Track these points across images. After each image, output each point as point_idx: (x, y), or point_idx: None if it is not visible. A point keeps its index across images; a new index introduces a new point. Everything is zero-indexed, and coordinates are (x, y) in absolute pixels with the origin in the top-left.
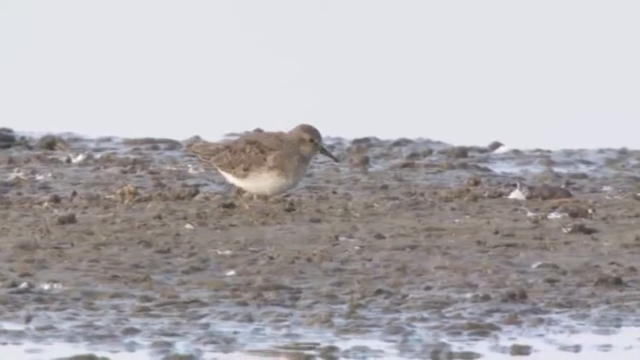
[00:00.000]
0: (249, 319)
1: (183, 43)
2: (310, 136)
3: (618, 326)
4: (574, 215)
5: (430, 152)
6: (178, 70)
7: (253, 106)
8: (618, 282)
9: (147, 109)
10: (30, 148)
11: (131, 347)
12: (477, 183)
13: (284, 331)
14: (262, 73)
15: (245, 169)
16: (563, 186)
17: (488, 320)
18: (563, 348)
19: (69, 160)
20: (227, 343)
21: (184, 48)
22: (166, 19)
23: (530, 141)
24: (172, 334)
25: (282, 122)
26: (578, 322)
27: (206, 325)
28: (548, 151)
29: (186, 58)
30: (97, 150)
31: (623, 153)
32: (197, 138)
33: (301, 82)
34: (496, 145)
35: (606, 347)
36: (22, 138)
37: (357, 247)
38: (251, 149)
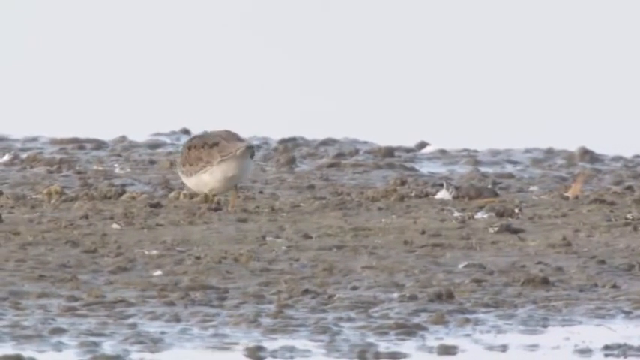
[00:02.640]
0: (177, 319)
1: (131, 39)
2: None
3: (545, 326)
4: (500, 215)
5: (357, 152)
6: (110, 68)
7: (187, 104)
8: (545, 282)
9: (73, 108)
10: None
11: (58, 347)
12: (403, 183)
13: (211, 330)
14: (199, 72)
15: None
16: (489, 186)
17: (416, 320)
18: (490, 348)
19: None
20: (154, 343)
21: (127, 45)
22: (121, 18)
23: (457, 141)
24: (99, 334)
25: (211, 123)
26: (505, 322)
27: (133, 325)
28: (475, 151)
29: (127, 55)
30: (24, 150)
31: (550, 153)
32: (123, 138)
33: (230, 80)
34: (423, 144)
35: (533, 347)
36: None
37: (284, 247)
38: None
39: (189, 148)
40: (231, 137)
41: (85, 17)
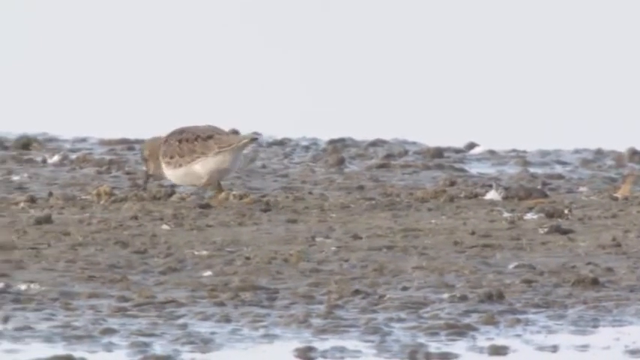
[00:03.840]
0: (227, 320)
1: (166, 42)
2: None
3: (595, 326)
4: (550, 216)
5: (406, 153)
6: (158, 70)
7: (233, 106)
8: (595, 282)
9: (122, 109)
10: (5, 148)
11: (109, 347)
12: (453, 183)
13: (261, 331)
14: (240, 73)
15: None
16: (539, 186)
17: (466, 321)
18: (541, 348)
19: (45, 161)
20: (205, 344)
21: (166, 48)
22: (148, 19)
23: (506, 141)
24: (150, 335)
25: (256, 122)
26: (555, 323)
27: (184, 326)
28: (524, 152)
29: (167, 57)
30: (73, 150)
31: (599, 153)
32: None
33: (279, 82)
34: (472, 145)
35: (583, 347)
36: None
37: (333, 248)
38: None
39: (179, 141)
40: (222, 131)
41: (107, 19)
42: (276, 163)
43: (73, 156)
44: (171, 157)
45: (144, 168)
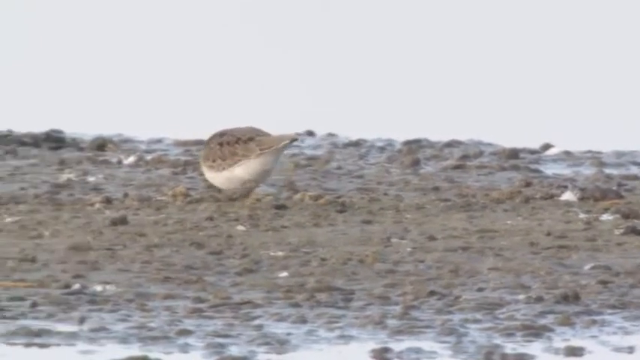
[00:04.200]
0: (303, 321)
1: (219, 45)
2: None
3: None
4: (626, 217)
5: (481, 154)
6: (229, 70)
7: (308, 108)
8: None
9: (197, 110)
10: (81, 149)
11: (185, 348)
12: (528, 184)
13: (337, 332)
14: (296, 74)
15: None
16: (614, 187)
17: (542, 321)
18: (617, 349)
19: (120, 162)
20: (280, 345)
21: (225, 50)
22: (191, 21)
23: (581, 142)
24: (226, 336)
25: (332, 123)
26: (631, 324)
27: (259, 327)
28: (599, 153)
29: (230, 61)
30: (148, 151)
31: None
32: None
33: (356, 84)
34: (547, 146)
35: None
36: (73, 139)
37: (409, 249)
38: None
39: (220, 144)
40: (262, 132)
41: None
42: (352, 164)
43: (149, 157)
44: (213, 161)
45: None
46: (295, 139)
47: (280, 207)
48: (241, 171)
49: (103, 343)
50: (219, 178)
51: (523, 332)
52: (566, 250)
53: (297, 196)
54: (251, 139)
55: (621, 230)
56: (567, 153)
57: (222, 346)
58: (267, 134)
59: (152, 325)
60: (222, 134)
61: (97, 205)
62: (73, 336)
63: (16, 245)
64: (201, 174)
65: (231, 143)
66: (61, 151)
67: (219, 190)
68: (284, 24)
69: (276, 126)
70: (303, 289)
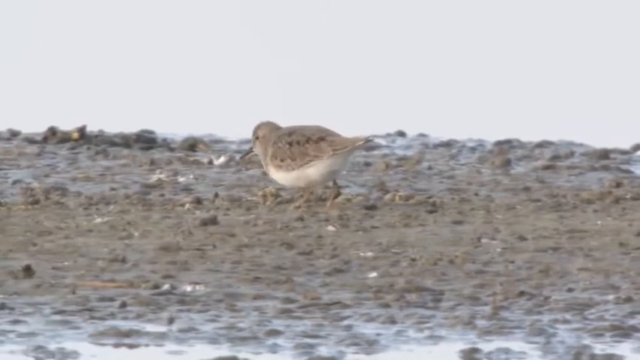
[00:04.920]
0: (392, 321)
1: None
2: None
3: None
4: None
5: (572, 154)
6: (313, 70)
7: (400, 108)
8: None
9: (288, 110)
10: (172, 149)
11: (274, 349)
12: (619, 185)
13: (427, 332)
14: (387, 75)
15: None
16: None
17: (631, 322)
18: None
19: (211, 162)
20: (370, 345)
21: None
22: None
23: None
24: (315, 336)
25: (423, 123)
26: None
27: (349, 327)
28: None
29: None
30: (239, 152)
31: None
32: None
33: (445, 84)
34: (638, 146)
35: None
36: (164, 140)
37: (499, 249)
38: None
39: (289, 144)
40: (332, 132)
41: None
42: (443, 165)
43: (239, 157)
44: (282, 160)
45: (251, 146)
46: (370, 141)
47: (371, 207)
48: (312, 171)
49: (192, 343)
50: (288, 177)
51: (612, 333)
52: None
53: (388, 197)
54: (322, 138)
55: None
56: None
57: (311, 346)
58: (336, 134)
59: (241, 325)
60: (290, 133)
61: (188, 206)
62: (162, 336)
63: (106, 245)
64: (265, 172)
65: (301, 143)
66: (152, 151)
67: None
68: (360, 24)
69: (367, 126)
70: (392, 290)
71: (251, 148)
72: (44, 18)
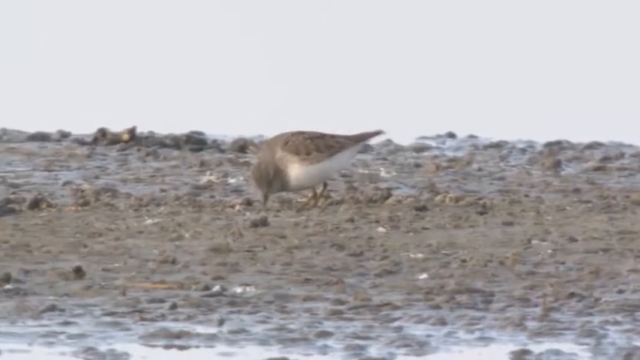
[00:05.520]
0: (442, 323)
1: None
2: None
3: None
4: None
5: (622, 155)
6: (360, 71)
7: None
8: None
9: (339, 112)
10: (222, 151)
11: (324, 350)
12: None
13: (477, 334)
14: (435, 76)
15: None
16: None
17: None
18: None
19: None
20: (420, 347)
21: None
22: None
23: None
24: (365, 338)
25: (473, 124)
26: None
27: (399, 329)
28: None
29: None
30: None
31: None
32: (389, 142)
33: (496, 85)
34: None
35: None
36: (214, 141)
37: (549, 251)
38: None
39: (310, 139)
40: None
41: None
42: (493, 166)
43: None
44: (308, 154)
45: (263, 191)
46: (381, 132)
47: (421, 209)
48: (335, 163)
49: (242, 345)
50: (313, 170)
51: None
52: None
53: (438, 198)
54: (333, 135)
55: None
56: None
57: (361, 347)
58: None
59: (292, 326)
60: (300, 132)
61: (238, 207)
62: (212, 338)
63: (157, 247)
64: (272, 174)
65: (321, 137)
66: (202, 152)
67: (362, 192)
68: (359, 24)
69: (417, 128)
70: (443, 291)
71: (266, 196)
72: (90, 19)
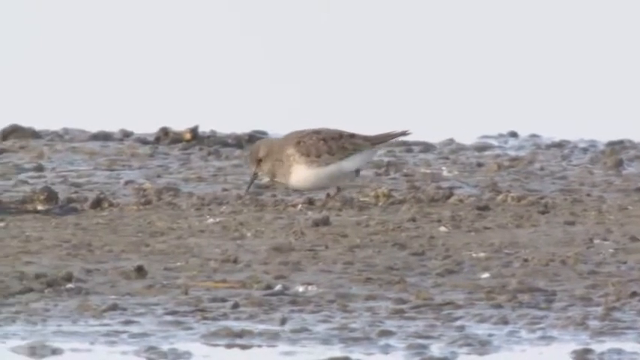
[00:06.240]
0: (504, 322)
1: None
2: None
3: None
4: None
5: None
6: (419, 72)
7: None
8: None
9: (401, 112)
10: None
11: (386, 349)
12: None
13: (539, 333)
14: (498, 75)
15: None
16: None
17: None
18: None
19: None
20: (482, 346)
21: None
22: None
23: None
24: (427, 337)
25: (535, 124)
26: None
27: (461, 328)
28: None
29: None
30: None
31: None
32: (451, 141)
33: (549, 84)
34: None
35: None
36: None
37: (611, 250)
38: None
39: (323, 140)
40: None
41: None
42: (555, 165)
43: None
44: (318, 156)
45: (252, 169)
46: (407, 132)
47: (483, 208)
48: (348, 164)
49: (304, 344)
50: (321, 173)
51: None
52: None
53: (500, 197)
54: (352, 135)
55: None
56: None
57: (423, 347)
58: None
59: (353, 326)
60: (316, 132)
61: (300, 206)
62: (274, 337)
63: (219, 246)
64: (275, 173)
65: (335, 138)
66: None
67: (424, 191)
68: (360, 24)
69: (479, 127)
70: (504, 290)
71: (255, 174)
72: (150, 20)
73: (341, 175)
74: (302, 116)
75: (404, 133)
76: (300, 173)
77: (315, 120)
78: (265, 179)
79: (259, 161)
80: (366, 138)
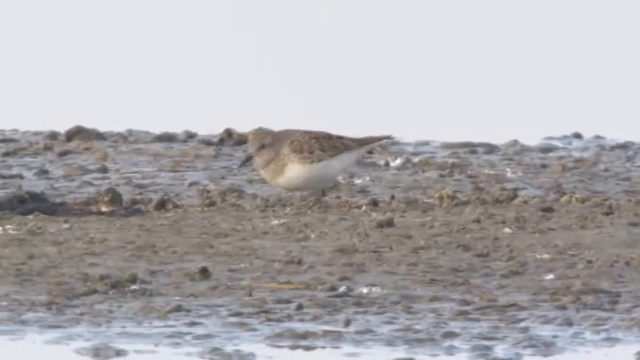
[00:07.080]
0: (568, 323)
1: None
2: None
3: None
4: None
5: None
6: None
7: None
8: None
9: (465, 113)
10: None
11: (450, 351)
12: None
13: (603, 335)
14: (559, 76)
15: None
16: None
17: None
18: None
19: (387, 164)
20: (546, 347)
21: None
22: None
23: None
24: (491, 338)
25: (599, 126)
26: None
27: (525, 329)
28: None
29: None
30: (415, 154)
31: None
32: (515, 142)
33: (614, 85)
34: None
35: None
36: None
37: None
38: None
39: (315, 138)
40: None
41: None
42: (619, 167)
43: (416, 159)
44: (311, 152)
45: (252, 150)
46: (390, 138)
47: (547, 209)
48: (337, 163)
49: (368, 345)
50: (313, 169)
51: None
52: None
53: (564, 199)
54: (340, 137)
55: None
56: None
57: (487, 348)
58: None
59: (418, 327)
60: (307, 132)
61: (364, 208)
62: (338, 338)
63: (283, 247)
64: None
65: (325, 138)
66: None
67: (488, 192)
68: (361, 24)
69: (543, 128)
70: (569, 292)
71: (251, 157)
72: (216, 23)
73: (333, 173)
74: (369, 116)
75: (388, 137)
76: (294, 170)
77: (379, 120)
78: (254, 167)
79: (262, 147)
80: (353, 140)
